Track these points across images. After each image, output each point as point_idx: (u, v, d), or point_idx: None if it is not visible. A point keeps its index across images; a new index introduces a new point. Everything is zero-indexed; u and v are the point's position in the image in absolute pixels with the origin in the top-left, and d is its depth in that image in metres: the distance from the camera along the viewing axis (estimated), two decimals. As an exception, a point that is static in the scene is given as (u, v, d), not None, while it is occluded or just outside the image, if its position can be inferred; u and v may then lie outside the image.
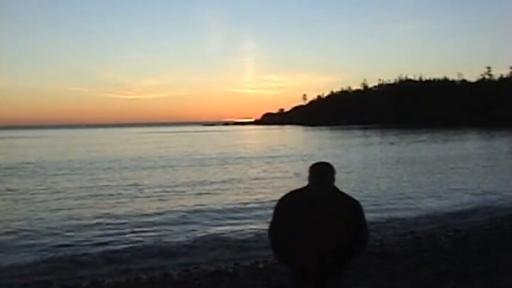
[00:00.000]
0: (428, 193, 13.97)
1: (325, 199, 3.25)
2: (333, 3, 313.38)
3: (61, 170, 23.30)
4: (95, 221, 10.70)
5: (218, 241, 8.76)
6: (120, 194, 15.04)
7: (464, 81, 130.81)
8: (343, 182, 15.00)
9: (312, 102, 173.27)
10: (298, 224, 3.23)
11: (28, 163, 27.40)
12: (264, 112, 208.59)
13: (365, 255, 6.95)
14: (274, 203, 3.40)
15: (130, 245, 8.61)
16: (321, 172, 3.26)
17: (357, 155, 29.57)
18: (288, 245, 3.30)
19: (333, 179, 3.30)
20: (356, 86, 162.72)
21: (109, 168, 23.90)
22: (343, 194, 3.35)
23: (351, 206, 3.32)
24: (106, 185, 17.12)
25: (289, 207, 3.30)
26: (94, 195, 14.77)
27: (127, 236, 9.30)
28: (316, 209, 3.22)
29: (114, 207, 12.62)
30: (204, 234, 9.32)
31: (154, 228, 9.93)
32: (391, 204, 12.29)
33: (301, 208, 3.24)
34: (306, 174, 3.28)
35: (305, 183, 3.30)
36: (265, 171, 21.47)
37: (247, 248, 8.26)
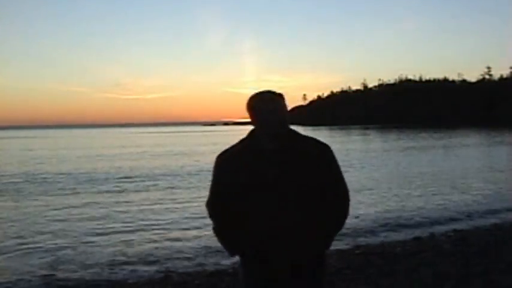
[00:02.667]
0: (428, 193, 13.97)
1: (282, 147, 2.29)
2: (333, 3, 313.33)
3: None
4: (96, 222, 10.71)
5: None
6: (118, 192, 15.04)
7: (464, 81, 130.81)
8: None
9: (312, 102, 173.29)
10: (249, 188, 2.27)
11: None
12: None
13: (364, 255, 6.99)
14: None
15: (131, 244, 8.63)
16: (269, 104, 2.28)
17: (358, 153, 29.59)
18: (237, 224, 2.34)
19: (287, 115, 2.35)
20: (356, 86, 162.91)
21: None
22: (305, 137, 2.42)
23: (319, 152, 2.37)
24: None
25: (233, 165, 2.33)
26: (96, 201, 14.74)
27: (127, 236, 9.31)
28: (271, 162, 2.27)
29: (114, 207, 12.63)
30: (204, 234, 9.32)
31: (154, 228, 9.93)
32: (391, 204, 12.28)
33: (251, 164, 2.29)
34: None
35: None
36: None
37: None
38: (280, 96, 2.36)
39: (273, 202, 2.26)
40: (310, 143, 2.38)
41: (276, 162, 2.28)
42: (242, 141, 2.41)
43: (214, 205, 2.44)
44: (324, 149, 2.39)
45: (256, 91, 2.35)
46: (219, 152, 2.45)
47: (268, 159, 2.29)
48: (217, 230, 2.46)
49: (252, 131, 2.39)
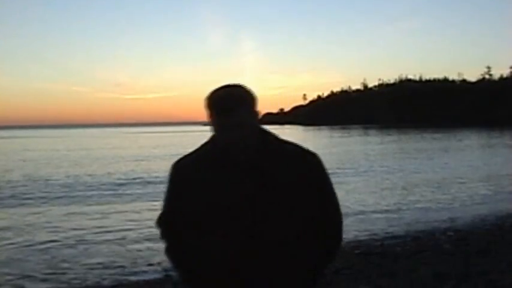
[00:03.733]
0: (428, 193, 13.97)
1: (253, 154, 1.81)
2: (333, 4, 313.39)
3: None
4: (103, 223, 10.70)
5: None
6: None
7: (464, 81, 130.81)
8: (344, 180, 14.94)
9: (312, 102, 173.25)
10: (214, 208, 1.79)
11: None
12: (264, 112, 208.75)
13: (364, 255, 7.00)
14: None
15: (131, 245, 8.62)
16: (231, 102, 1.75)
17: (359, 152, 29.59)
18: (198, 252, 1.84)
19: (257, 115, 1.85)
20: (356, 86, 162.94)
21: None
22: (285, 142, 1.91)
23: (305, 164, 1.86)
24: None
25: (193, 177, 1.85)
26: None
27: (127, 236, 9.31)
28: (243, 176, 1.79)
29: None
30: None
31: (153, 228, 9.92)
32: (391, 203, 12.28)
33: (217, 177, 1.81)
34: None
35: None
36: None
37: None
38: (241, 88, 1.83)
39: (245, 227, 1.76)
40: (291, 150, 1.88)
41: (249, 176, 1.79)
42: (205, 145, 1.91)
43: (168, 225, 1.95)
44: (312, 160, 1.88)
45: (215, 88, 1.83)
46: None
47: (240, 171, 1.80)
48: (171, 255, 1.97)
49: (211, 138, 1.89)
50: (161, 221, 1.98)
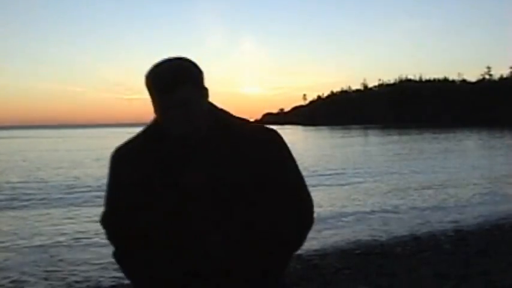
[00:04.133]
0: (428, 193, 13.96)
1: (207, 135, 1.59)
2: (333, 3, 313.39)
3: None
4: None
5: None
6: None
7: (464, 81, 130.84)
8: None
9: (312, 102, 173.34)
10: (161, 196, 1.55)
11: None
12: (264, 112, 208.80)
13: (364, 255, 7.00)
14: None
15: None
16: (174, 78, 1.51)
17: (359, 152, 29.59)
18: (148, 250, 1.61)
19: (206, 92, 1.61)
20: (356, 86, 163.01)
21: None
22: (241, 121, 1.69)
23: (264, 140, 1.64)
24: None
25: (134, 165, 1.60)
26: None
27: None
28: (190, 158, 1.57)
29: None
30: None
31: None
32: (391, 203, 12.28)
33: (160, 161, 1.58)
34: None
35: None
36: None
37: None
38: (185, 61, 1.58)
39: (197, 216, 1.54)
40: (249, 129, 1.66)
41: (198, 158, 1.56)
42: (146, 129, 1.66)
43: (112, 223, 1.69)
44: (272, 136, 1.66)
45: (154, 64, 1.57)
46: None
47: (185, 153, 1.56)
48: (119, 257, 1.71)
49: (154, 121, 1.65)
50: (105, 220, 1.72)
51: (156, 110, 1.58)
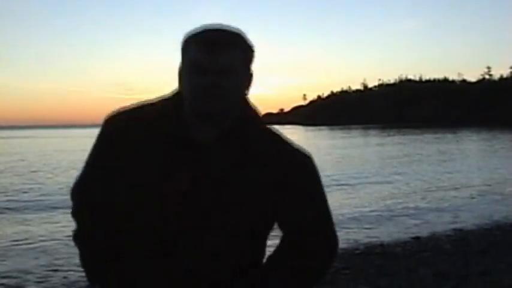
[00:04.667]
0: (428, 193, 13.96)
1: (223, 139, 1.33)
2: (333, 3, 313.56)
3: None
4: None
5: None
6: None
7: (464, 81, 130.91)
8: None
9: (312, 102, 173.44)
10: (137, 190, 1.32)
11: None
12: (264, 112, 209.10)
13: (364, 255, 7.00)
14: None
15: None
16: (225, 40, 1.28)
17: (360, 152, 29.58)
18: (108, 235, 1.39)
19: (250, 79, 1.37)
20: (356, 86, 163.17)
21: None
22: (272, 134, 1.41)
23: (292, 165, 1.37)
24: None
25: (132, 140, 1.35)
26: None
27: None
28: (195, 161, 1.31)
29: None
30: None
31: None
32: (391, 203, 12.27)
33: (162, 151, 1.32)
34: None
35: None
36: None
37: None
38: (241, 43, 1.31)
39: (179, 226, 1.30)
40: (277, 147, 1.37)
41: (203, 164, 1.30)
42: (161, 102, 1.39)
43: (88, 194, 1.42)
44: (303, 161, 1.39)
45: (201, 26, 1.31)
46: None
47: (192, 153, 1.30)
48: (81, 241, 1.46)
49: (178, 93, 1.36)
50: (77, 189, 1.45)
51: (183, 78, 1.32)
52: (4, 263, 7.60)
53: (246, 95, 1.38)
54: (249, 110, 1.40)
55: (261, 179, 1.33)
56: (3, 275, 6.98)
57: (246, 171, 1.32)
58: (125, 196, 1.34)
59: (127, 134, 1.36)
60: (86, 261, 1.46)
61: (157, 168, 1.32)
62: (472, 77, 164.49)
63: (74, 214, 1.48)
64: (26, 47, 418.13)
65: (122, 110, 1.43)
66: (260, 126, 1.40)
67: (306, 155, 1.41)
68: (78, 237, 1.46)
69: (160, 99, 1.41)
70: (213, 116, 1.30)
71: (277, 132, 1.42)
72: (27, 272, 7.05)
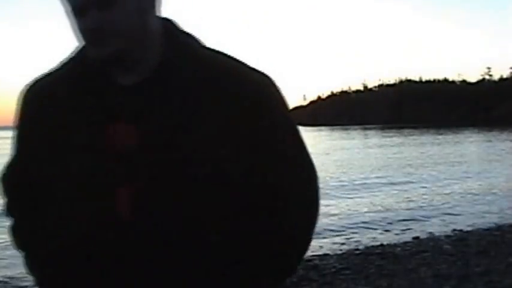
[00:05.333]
0: (429, 193, 13.97)
1: (143, 82, 1.05)
2: (333, 3, 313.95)
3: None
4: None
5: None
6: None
7: (464, 81, 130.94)
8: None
9: (312, 102, 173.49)
10: (61, 165, 1.06)
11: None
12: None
13: (364, 255, 7.00)
14: None
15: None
16: None
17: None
18: (47, 231, 1.12)
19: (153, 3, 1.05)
20: (356, 86, 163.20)
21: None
22: (208, 51, 1.12)
23: (241, 91, 1.07)
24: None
25: (46, 107, 1.10)
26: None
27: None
28: (113, 114, 1.04)
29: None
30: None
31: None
32: (391, 203, 12.28)
33: (74, 111, 1.06)
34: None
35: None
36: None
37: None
38: None
39: (109, 210, 1.03)
40: (224, 70, 1.10)
41: (134, 105, 1.04)
42: (69, 61, 1.14)
43: (14, 187, 1.20)
44: (259, 85, 1.14)
45: None
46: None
47: (108, 107, 1.05)
48: (17, 234, 1.22)
49: (79, 51, 1.14)
50: (5, 179, 1.21)
51: (76, 35, 1.07)
52: (4, 263, 7.61)
53: (154, 14, 1.06)
54: (175, 35, 1.10)
55: (210, 119, 1.03)
56: (4, 274, 6.99)
57: (183, 115, 1.02)
58: (47, 172, 1.10)
59: (40, 102, 1.13)
60: (25, 257, 1.23)
61: (71, 122, 1.06)
62: (472, 77, 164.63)
63: (10, 210, 1.22)
64: (27, 47, 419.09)
65: (35, 78, 1.19)
66: (197, 52, 1.10)
67: (265, 74, 1.16)
68: (13, 230, 1.22)
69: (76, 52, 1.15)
70: (112, 61, 1.04)
71: (221, 53, 1.14)
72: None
